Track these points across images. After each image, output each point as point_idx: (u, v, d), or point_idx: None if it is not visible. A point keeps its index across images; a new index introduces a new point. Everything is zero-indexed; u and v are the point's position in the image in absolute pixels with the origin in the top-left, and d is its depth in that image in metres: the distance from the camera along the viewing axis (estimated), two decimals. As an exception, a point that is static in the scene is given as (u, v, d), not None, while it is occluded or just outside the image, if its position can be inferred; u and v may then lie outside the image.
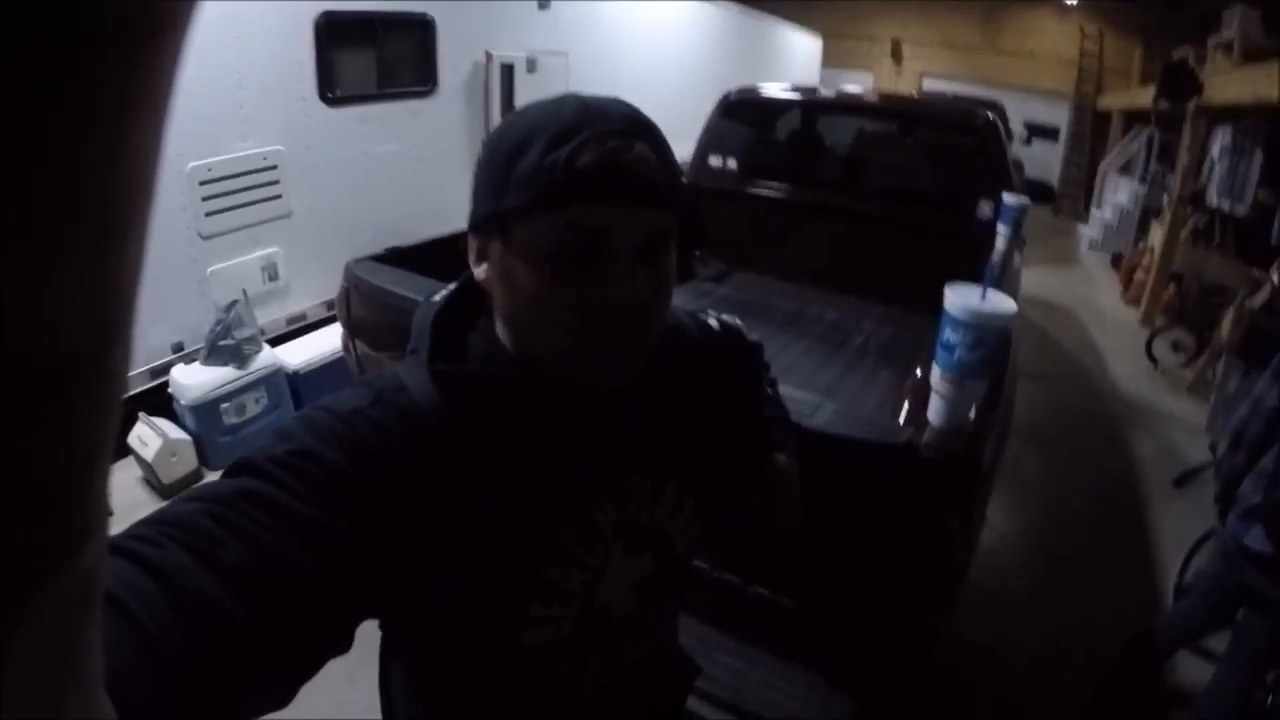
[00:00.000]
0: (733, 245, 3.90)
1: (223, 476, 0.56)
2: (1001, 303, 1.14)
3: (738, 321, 1.04)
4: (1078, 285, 8.39)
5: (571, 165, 0.61)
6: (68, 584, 0.21)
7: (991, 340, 1.13)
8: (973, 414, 1.24)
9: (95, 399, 0.19)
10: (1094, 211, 10.90)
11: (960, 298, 1.13)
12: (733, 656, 1.51)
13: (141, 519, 0.50)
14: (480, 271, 0.70)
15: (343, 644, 0.58)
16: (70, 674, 0.23)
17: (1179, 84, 6.37)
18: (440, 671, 0.74)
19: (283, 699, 0.53)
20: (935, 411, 1.22)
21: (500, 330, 0.71)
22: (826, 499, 1.07)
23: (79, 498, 0.20)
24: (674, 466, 0.81)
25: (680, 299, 0.90)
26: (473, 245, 0.70)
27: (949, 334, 1.15)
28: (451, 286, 0.76)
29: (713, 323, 0.99)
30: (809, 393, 1.52)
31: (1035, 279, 7.37)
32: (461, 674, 0.72)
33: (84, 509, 0.20)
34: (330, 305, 4.02)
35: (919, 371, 1.76)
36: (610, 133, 0.63)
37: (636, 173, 0.63)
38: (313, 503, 0.55)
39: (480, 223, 0.68)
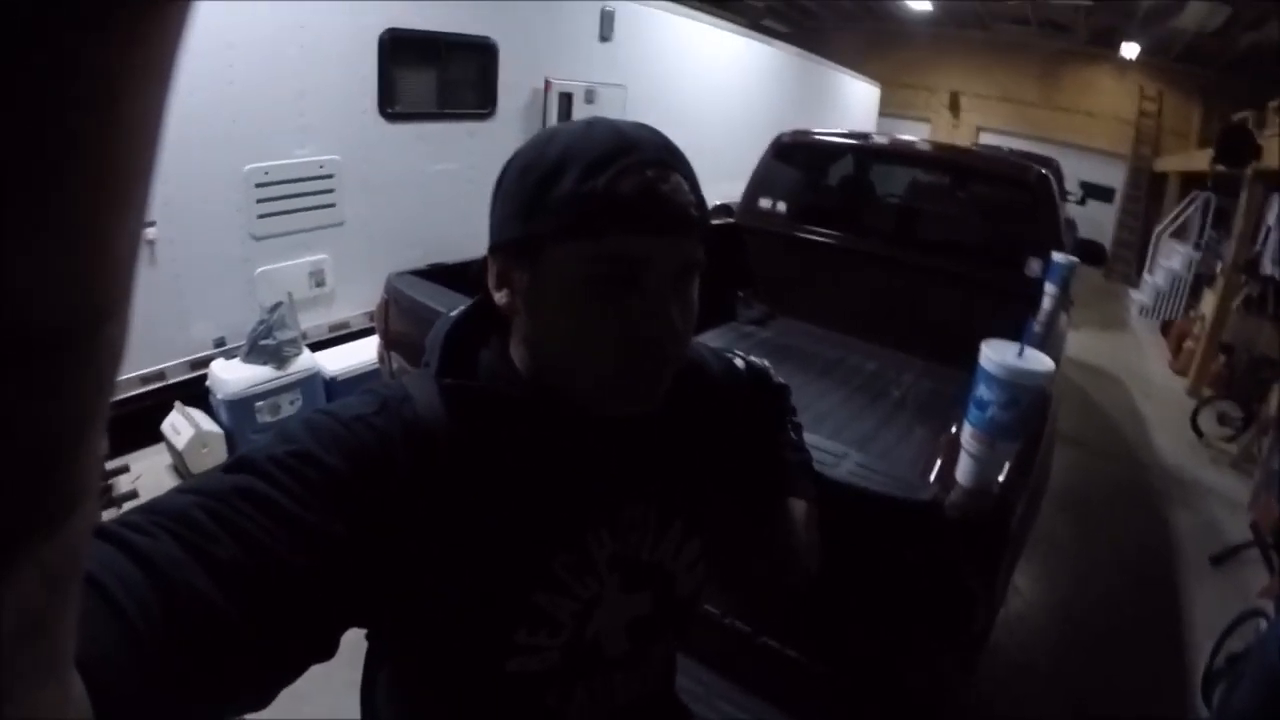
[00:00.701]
0: (777, 289, 3.88)
1: (222, 471, 0.56)
2: (1039, 361, 1.11)
3: (765, 363, 1.03)
4: (1125, 351, 8.22)
5: (612, 193, 0.61)
6: (51, 555, 0.21)
7: (1026, 400, 1.10)
8: (1003, 476, 1.20)
9: (88, 372, 0.20)
10: (1146, 276, 10.71)
11: (996, 353, 1.11)
12: (736, 707, 1.47)
13: (135, 507, 0.50)
14: (501, 296, 0.69)
15: (327, 650, 0.57)
16: (45, 646, 0.23)
17: (1237, 147, 6.24)
18: (424, 688, 0.72)
19: (262, 700, 0.52)
20: (964, 471, 1.19)
21: (518, 353, 0.71)
22: (845, 553, 1.04)
23: (67, 469, 0.20)
24: (681, 502, 0.80)
25: (721, 340, 0.90)
26: (493, 269, 0.70)
27: (982, 390, 1.12)
28: (469, 304, 0.76)
29: (738, 362, 0.98)
30: (839, 443, 1.49)
31: (1082, 342, 7.25)
32: (445, 694, 0.71)
33: (71, 481, 0.20)
34: (373, 316, 4.07)
35: (955, 429, 1.73)
36: (647, 161, 0.63)
37: (673, 203, 0.64)
38: (309, 506, 0.55)
39: (505, 246, 0.67)
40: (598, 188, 0.61)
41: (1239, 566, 3.85)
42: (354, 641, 0.61)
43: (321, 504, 0.55)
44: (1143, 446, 5.48)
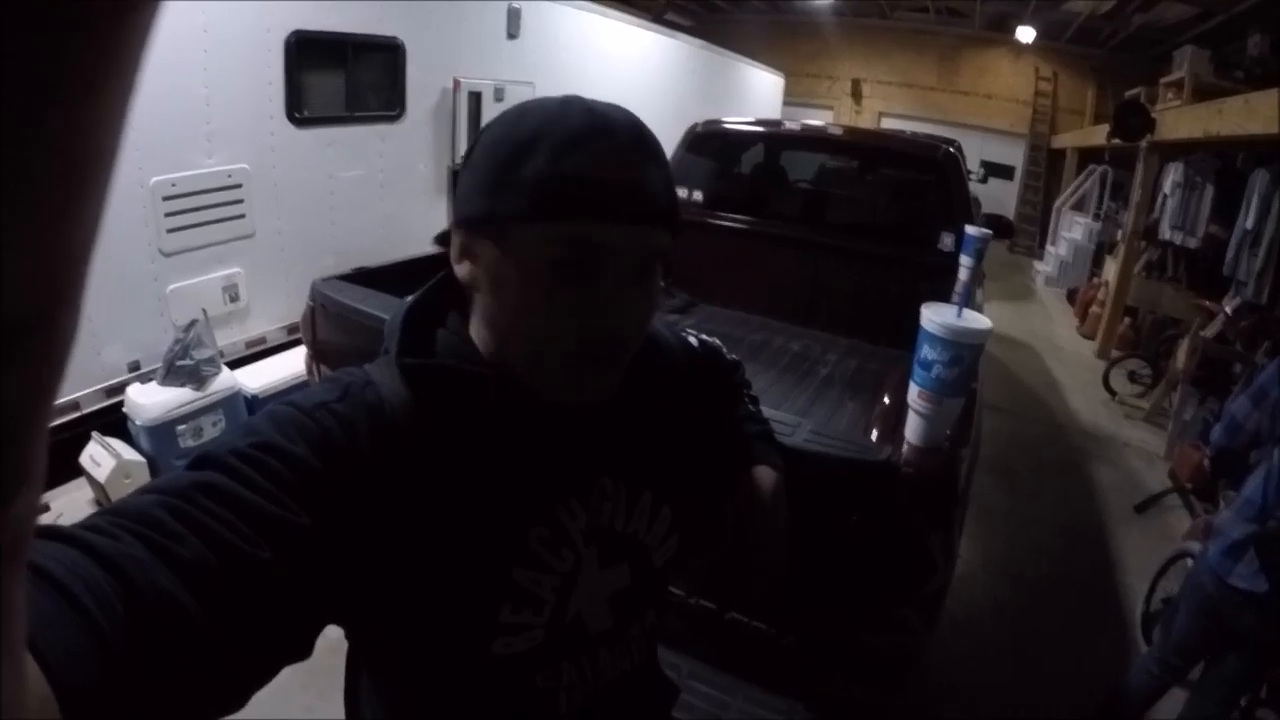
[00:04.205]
0: (697, 277, 3.91)
1: (185, 469, 0.54)
2: (978, 320, 1.16)
3: (716, 341, 1.05)
4: (1035, 319, 8.60)
5: (583, 176, 0.60)
6: None
7: (969, 357, 1.14)
8: (949, 432, 1.25)
9: (42, 358, 0.20)
10: (1049, 248, 11.22)
11: (937, 315, 1.15)
12: (710, 685, 1.48)
13: (97, 510, 0.49)
14: (462, 269, 0.68)
15: (301, 649, 0.56)
16: None
17: (1132, 122, 6.61)
18: (410, 683, 0.70)
19: (235, 702, 0.50)
20: (914, 430, 1.23)
21: (476, 330, 0.70)
22: (804, 519, 1.06)
23: (15, 451, 0.20)
24: (648, 475, 0.79)
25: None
26: (456, 241, 0.68)
27: (926, 351, 1.16)
28: (425, 286, 0.75)
29: (692, 340, 0.99)
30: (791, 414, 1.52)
31: (993, 314, 7.39)
32: (432, 685, 0.69)
33: (16, 461, 0.20)
34: (292, 329, 3.95)
35: (887, 399, 1.77)
36: (620, 146, 0.62)
37: (644, 191, 0.63)
38: (274, 498, 0.53)
39: (472, 220, 0.66)
40: (568, 170, 0.60)
41: (1161, 513, 4.09)
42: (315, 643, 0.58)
43: (286, 495, 0.54)
44: (1060, 408, 5.76)
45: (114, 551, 0.44)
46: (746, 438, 1.00)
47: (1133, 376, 6.06)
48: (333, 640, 0.61)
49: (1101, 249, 9.26)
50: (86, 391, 3.15)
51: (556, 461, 0.71)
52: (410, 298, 0.74)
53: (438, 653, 0.66)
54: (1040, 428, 5.33)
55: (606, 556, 0.74)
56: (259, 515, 0.52)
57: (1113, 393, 5.95)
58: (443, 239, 0.72)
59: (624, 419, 0.77)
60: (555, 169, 0.60)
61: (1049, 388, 6.24)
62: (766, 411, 1.08)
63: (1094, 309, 7.83)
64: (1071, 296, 9.20)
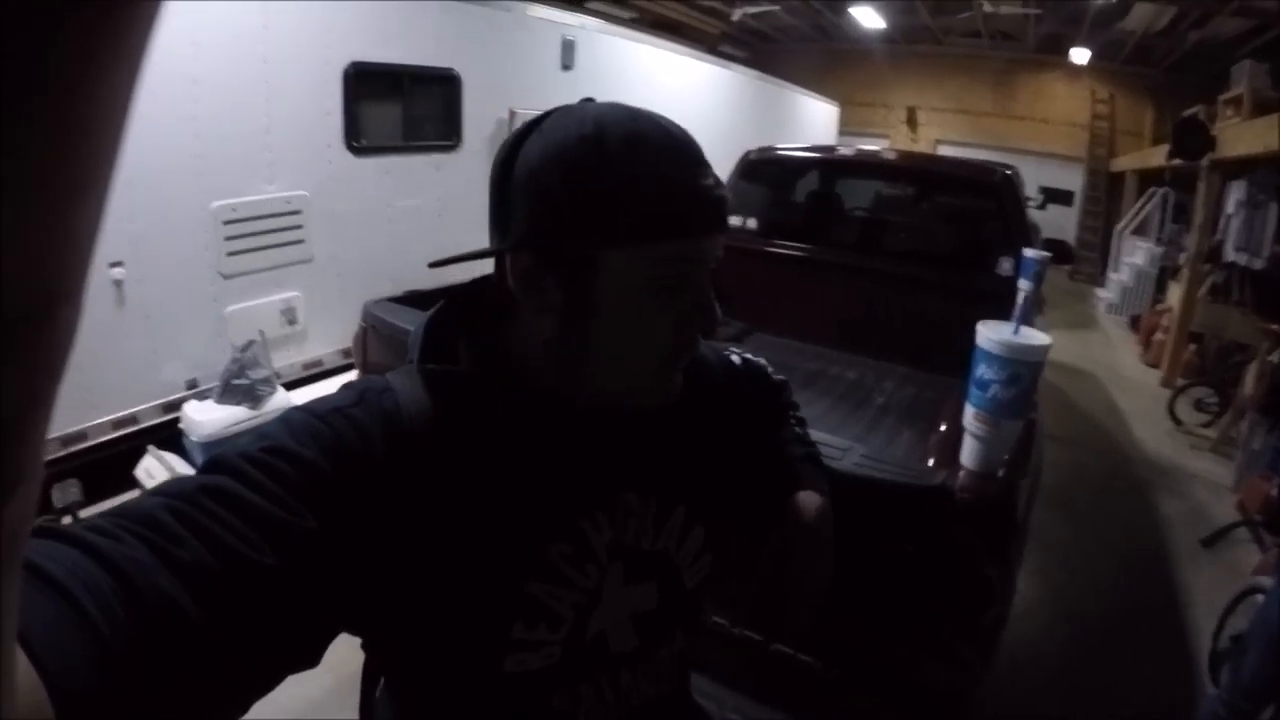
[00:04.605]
0: (752, 305, 3.86)
1: (197, 473, 0.54)
2: (1036, 337, 1.11)
3: (762, 361, 1.04)
4: (1097, 348, 8.35)
5: (674, 198, 0.62)
6: None
7: (1027, 375, 1.10)
8: (1006, 457, 1.19)
9: (41, 353, 0.20)
10: (1111, 274, 10.92)
11: (994, 332, 1.11)
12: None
13: (103, 512, 0.48)
14: (525, 295, 0.65)
15: (307, 657, 0.55)
16: None
17: (1192, 141, 6.42)
18: (423, 698, 0.69)
19: (235, 708, 0.50)
20: (969, 454, 1.18)
21: (525, 348, 0.69)
22: (854, 547, 1.02)
23: (12, 449, 0.20)
24: (681, 491, 0.78)
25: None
26: (517, 266, 0.65)
27: (983, 370, 1.11)
28: (450, 297, 0.75)
29: (735, 358, 0.99)
30: (843, 437, 1.47)
31: (1055, 342, 7.27)
32: (444, 703, 0.68)
33: (14, 459, 0.20)
34: (347, 353, 4.02)
35: (943, 427, 1.72)
36: (691, 159, 0.64)
37: (722, 202, 0.65)
38: (282, 501, 0.52)
39: (545, 245, 0.63)
40: (662, 192, 0.61)
41: (1229, 547, 3.89)
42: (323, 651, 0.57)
43: (295, 498, 0.53)
44: (1124, 439, 5.54)
45: (116, 553, 0.44)
46: (791, 460, 0.96)
47: (1199, 405, 5.80)
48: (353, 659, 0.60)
49: (1165, 274, 8.95)
50: (145, 406, 3.24)
51: (580, 473, 0.70)
52: (435, 307, 0.74)
53: (449, 668, 0.65)
54: (1103, 459, 5.14)
55: (633, 574, 0.72)
56: (264, 519, 0.51)
57: (1178, 422, 5.71)
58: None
59: (654, 432, 0.76)
60: (646, 191, 0.61)
61: (1112, 417, 6.02)
62: (816, 436, 1.05)
63: (1158, 336, 7.56)
64: (1135, 324, 8.91)
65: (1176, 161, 6.81)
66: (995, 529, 1.19)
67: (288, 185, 3.67)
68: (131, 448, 3.16)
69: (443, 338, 0.71)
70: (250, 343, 3.35)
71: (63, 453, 2.92)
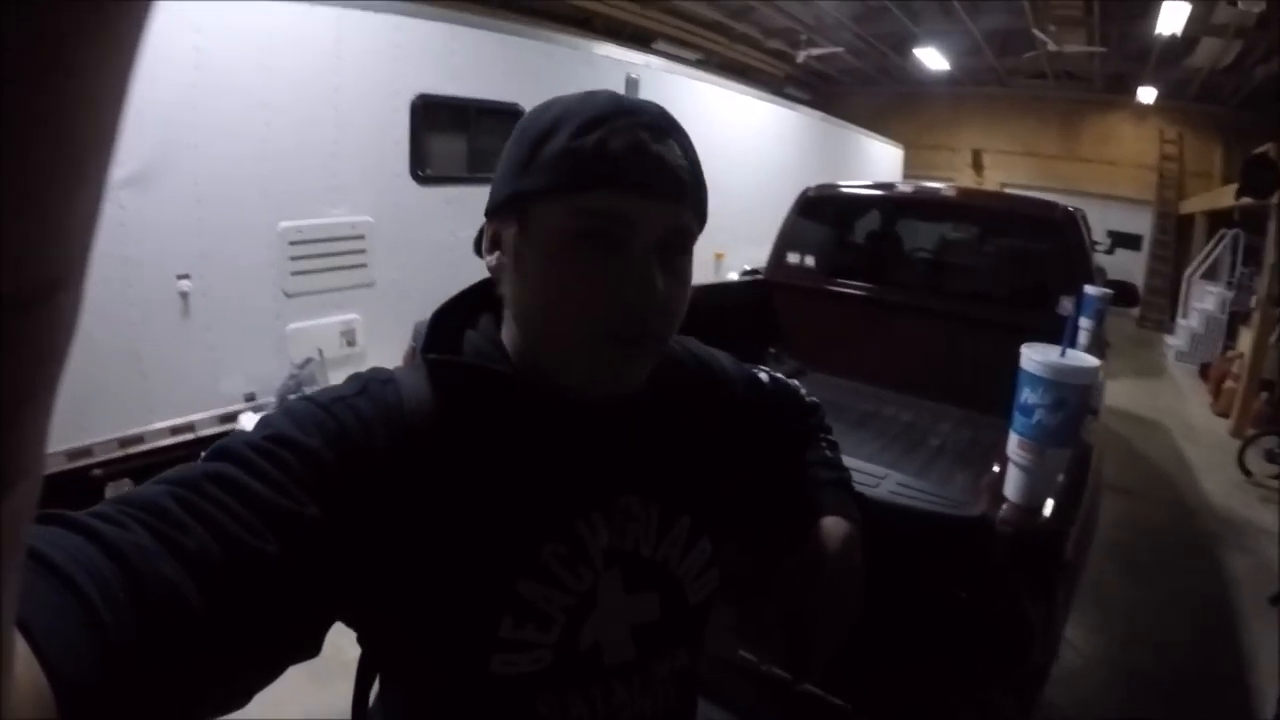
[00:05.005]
0: (808, 344, 3.83)
1: (201, 461, 0.55)
2: (1083, 359, 1.07)
3: (795, 382, 1.01)
4: (1164, 397, 8.04)
5: (602, 149, 0.61)
6: None
7: (1074, 400, 1.05)
8: (1055, 490, 1.14)
9: (38, 341, 0.19)
10: (1180, 320, 10.57)
11: (1038, 354, 1.07)
12: None
13: (108, 499, 0.49)
14: (492, 259, 0.69)
15: (308, 646, 0.55)
16: None
17: (1260, 178, 6.22)
18: (411, 695, 0.68)
19: (238, 697, 0.50)
20: (1014, 485, 1.13)
21: (507, 330, 0.70)
22: (888, 581, 0.98)
23: (8, 438, 0.20)
24: (686, 501, 0.75)
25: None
26: (487, 233, 0.69)
27: (1027, 394, 1.07)
28: (459, 291, 0.75)
29: (762, 375, 0.96)
30: (879, 465, 1.43)
31: (1121, 391, 7.13)
32: (432, 700, 0.67)
33: (13, 452, 0.20)
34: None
35: (996, 468, 1.67)
36: (641, 124, 0.63)
37: (665, 164, 0.63)
38: (283, 489, 0.53)
39: (498, 206, 0.67)
40: (588, 144, 0.61)
41: (1300, 605, 3.68)
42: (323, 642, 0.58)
43: (297, 487, 0.53)
44: (1190, 491, 5.31)
45: (120, 539, 0.44)
46: (817, 484, 0.92)
47: (1270, 456, 5.51)
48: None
49: (1235, 319, 8.63)
50: (202, 415, 3.32)
51: (580, 471, 0.68)
52: (446, 300, 0.74)
53: (437, 665, 0.64)
54: (1168, 511, 4.92)
55: (632, 582, 0.70)
56: (266, 506, 0.51)
57: (1248, 473, 5.45)
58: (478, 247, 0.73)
59: (660, 436, 0.74)
60: (574, 143, 0.61)
61: (1179, 468, 5.77)
62: (849, 462, 1.01)
63: (1228, 383, 7.25)
64: (1205, 372, 8.57)
65: (1246, 200, 6.58)
66: (1039, 565, 1.14)
67: (353, 210, 3.80)
68: (187, 455, 3.24)
69: (449, 328, 0.71)
70: (308, 360, 3.45)
71: (119, 454, 3.02)
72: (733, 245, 6.56)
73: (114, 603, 0.41)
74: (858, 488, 0.99)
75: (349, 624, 0.62)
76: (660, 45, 10.41)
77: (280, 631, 0.51)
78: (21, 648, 0.34)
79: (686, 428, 0.78)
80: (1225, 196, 8.76)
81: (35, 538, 0.41)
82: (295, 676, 0.58)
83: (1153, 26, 8.21)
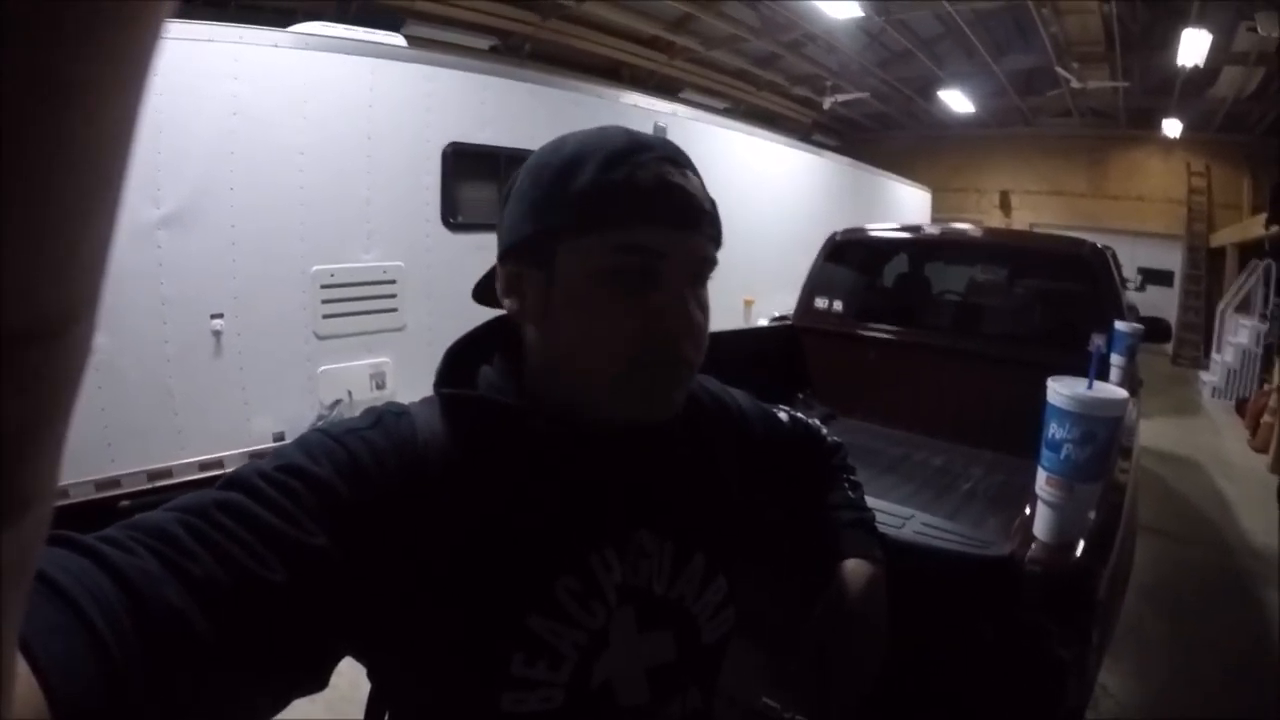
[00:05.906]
0: (837, 389, 3.78)
1: (213, 489, 0.54)
2: (1111, 391, 1.06)
3: (816, 422, 1.01)
4: (1200, 434, 7.85)
5: (632, 183, 0.61)
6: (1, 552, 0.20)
7: (1103, 434, 1.03)
8: (1087, 524, 1.12)
9: (52, 373, 0.20)
10: (1215, 356, 10.36)
11: (1065, 387, 1.06)
12: None
13: (116, 523, 0.48)
14: (511, 304, 0.68)
15: (315, 678, 0.54)
16: None
17: (1288, 204, 6.11)
18: None
19: None
20: (1043, 523, 1.11)
21: (529, 367, 0.69)
22: (913, 625, 0.97)
23: (24, 469, 0.20)
24: (702, 538, 0.74)
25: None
26: (502, 275, 0.68)
27: (1054, 429, 1.05)
28: (476, 326, 0.75)
29: (782, 414, 0.95)
30: (904, 506, 1.41)
31: (1156, 430, 6.99)
32: None
33: (25, 480, 0.20)
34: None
35: (1029, 510, 1.64)
36: (662, 157, 0.63)
37: (691, 196, 0.64)
38: (293, 520, 0.52)
39: (517, 248, 0.66)
40: (617, 178, 0.61)
41: (1348, 650, 3.54)
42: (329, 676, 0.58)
43: (307, 516, 0.53)
44: (1229, 529, 5.16)
45: (126, 564, 0.44)
46: (839, 524, 0.92)
47: (1310, 492, 5.36)
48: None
49: (1270, 351, 8.42)
50: (232, 452, 3.36)
51: (594, 507, 0.67)
52: (461, 335, 0.74)
53: (447, 701, 0.62)
54: (1206, 551, 4.78)
55: (646, 620, 0.69)
56: (275, 535, 0.51)
57: (1288, 511, 5.28)
58: (481, 294, 0.74)
59: (675, 472, 0.74)
60: (602, 179, 0.61)
61: (1217, 507, 5.61)
62: (872, 503, 1.00)
63: (1265, 419, 7.04)
64: (1241, 407, 8.36)
65: (1275, 229, 6.47)
66: (1071, 605, 1.11)
67: (384, 255, 3.87)
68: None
69: (463, 363, 0.72)
70: (337, 402, 3.50)
71: (148, 486, 3.07)
72: (763, 291, 6.58)
73: (118, 627, 0.41)
74: (881, 529, 0.98)
75: (358, 658, 0.61)
76: (687, 94, 10.55)
77: (285, 661, 0.51)
78: (22, 668, 0.33)
79: (702, 464, 0.78)
80: (1255, 226, 8.65)
81: (41, 559, 0.40)
82: (308, 710, 0.59)
83: (1174, 57, 8.22)
